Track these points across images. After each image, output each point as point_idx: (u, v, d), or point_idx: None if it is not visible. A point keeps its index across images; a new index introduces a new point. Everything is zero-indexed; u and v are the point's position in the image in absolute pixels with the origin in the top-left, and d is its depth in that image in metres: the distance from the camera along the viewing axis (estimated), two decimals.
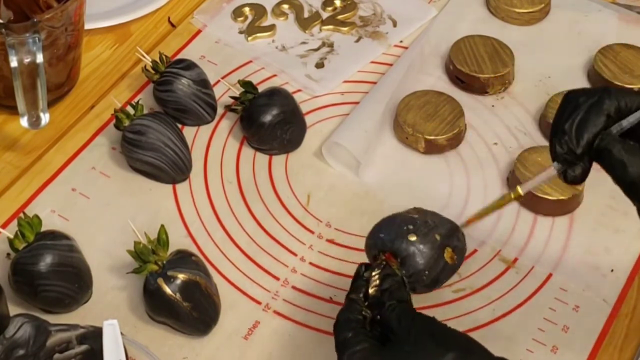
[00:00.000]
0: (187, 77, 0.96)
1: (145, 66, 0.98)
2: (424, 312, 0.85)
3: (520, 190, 0.71)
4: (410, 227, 0.74)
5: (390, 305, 0.70)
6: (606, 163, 0.70)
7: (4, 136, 0.97)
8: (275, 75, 1.04)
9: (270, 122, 0.94)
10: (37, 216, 0.83)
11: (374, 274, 0.72)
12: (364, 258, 0.89)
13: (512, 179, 0.94)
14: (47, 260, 0.81)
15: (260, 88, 0.97)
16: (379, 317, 0.70)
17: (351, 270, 0.88)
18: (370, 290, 0.72)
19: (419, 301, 0.86)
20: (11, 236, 0.82)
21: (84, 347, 0.74)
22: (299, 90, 1.02)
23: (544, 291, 0.87)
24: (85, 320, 0.78)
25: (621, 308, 0.86)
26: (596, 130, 0.70)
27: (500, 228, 0.92)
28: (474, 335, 0.84)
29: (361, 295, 0.72)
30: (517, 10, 1.10)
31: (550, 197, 0.91)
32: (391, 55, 1.06)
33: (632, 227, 0.92)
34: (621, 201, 0.94)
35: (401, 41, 1.08)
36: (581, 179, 0.73)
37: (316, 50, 1.06)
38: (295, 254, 0.89)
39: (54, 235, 0.83)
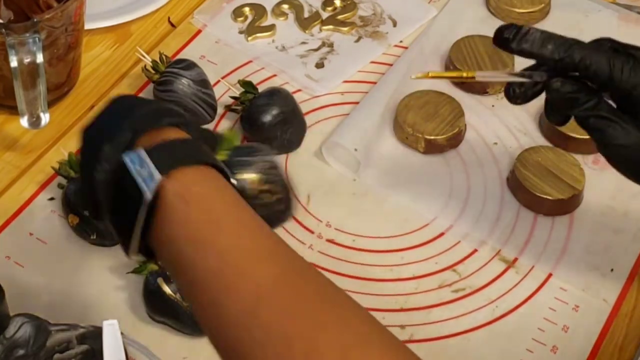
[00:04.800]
0: (187, 77, 0.96)
1: (145, 66, 0.98)
2: (423, 312, 0.85)
3: (476, 75, 0.77)
4: None
5: None
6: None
7: (4, 136, 0.97)
8: (275, 75, 1.04)
9: (270, 122, 0.94)
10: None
11: None
12: (363, 258, 0.89)
13: (512, 179, 0.94)
14: None
15: (260, 88, 0.97)
16: None
17: (351, 270, 0.88)
18: None
19: (419, 300, 0.86)
20: None
21: (84, 347, 0.74)
22: (299, 90, 1.02)
23: (544, 291, 0.87)
24: (85, 320, 0.78)
25: (621, 308, 0.86)
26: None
27: (500, 228, 0.92)
28: (474, 335, 0.84)
29: None
30: (517, 10, 1.09)
31: (550, 197, 0.91)
32: (391, 55, 1.06)
33: (632, 227, 0.92)
34: (621, 201, 0.94)
35: (401, 41, 1.08)
36: (522, 99, 0.78)
37: (316, 50, 1.06)
38: None
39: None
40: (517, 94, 0.77)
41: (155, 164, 0.60)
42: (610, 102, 0.75)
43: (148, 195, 0.59)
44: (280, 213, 0.80)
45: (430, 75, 0.77)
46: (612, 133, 0.73)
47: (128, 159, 0.61)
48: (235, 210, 0.61)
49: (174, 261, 0.60)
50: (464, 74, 0.79)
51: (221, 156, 0.69)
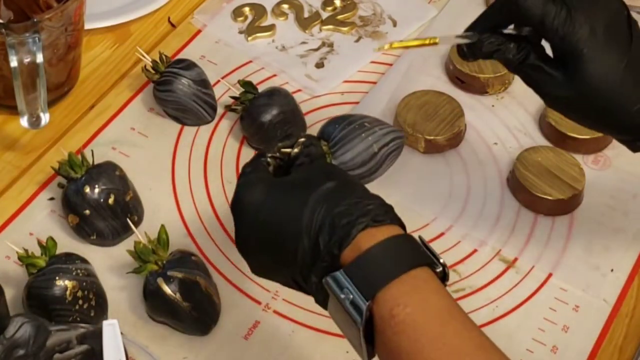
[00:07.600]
0: (187, 77, 0.96)
1: (145, 66, 0.98)
2: None
3: (438, 40, 0.78)
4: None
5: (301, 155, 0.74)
6: None
7: (4, 136, 0.97)
8: (275, 75, 1.04)
9: (270, 122, 0.94)
10: (51, 238, 0.83)
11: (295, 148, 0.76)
12: None
13: (512, 179, 0.94)
14: (61, 284, 0.80)
15: (260, 88, 0.97)
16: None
17: None
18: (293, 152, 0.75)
19: None
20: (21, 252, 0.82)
21: (84, 347, 0.74)
22: (299, 90, 1.02)
23: (544, 291, 0.87)
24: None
25: (621, 308, 0.86)
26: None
27: (500, 228, 0.92)
28: None
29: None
30: None
31: (550, 197, 0.91)
32: (391, 55, 1.06)
33: (632, 227, 0.92)
34: (621, 201, 0.94)
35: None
36: (471, 57, 0.78)
37: (316, 50, 1.07)
38: None
39: (69, 257, 0.82)
40: (465, 53, 0.78)
41: (358, 287, 0.60)
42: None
43: (360, 323, 0.60)
44: None
45: (393, 46, 0.78)
46: (543, 83, 0.74)
47: (331, 281, 0.61)
48: (440, 331, 0.60)
49: None
50: (427, 41, 0.79)
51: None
